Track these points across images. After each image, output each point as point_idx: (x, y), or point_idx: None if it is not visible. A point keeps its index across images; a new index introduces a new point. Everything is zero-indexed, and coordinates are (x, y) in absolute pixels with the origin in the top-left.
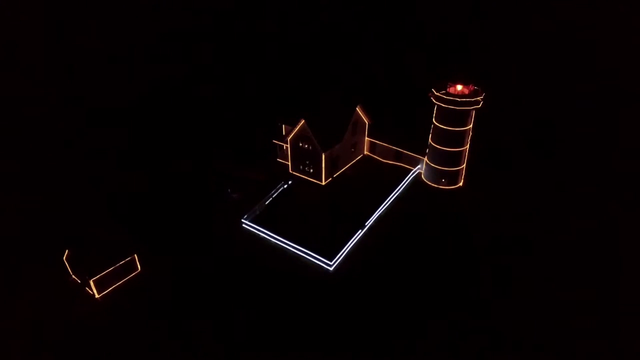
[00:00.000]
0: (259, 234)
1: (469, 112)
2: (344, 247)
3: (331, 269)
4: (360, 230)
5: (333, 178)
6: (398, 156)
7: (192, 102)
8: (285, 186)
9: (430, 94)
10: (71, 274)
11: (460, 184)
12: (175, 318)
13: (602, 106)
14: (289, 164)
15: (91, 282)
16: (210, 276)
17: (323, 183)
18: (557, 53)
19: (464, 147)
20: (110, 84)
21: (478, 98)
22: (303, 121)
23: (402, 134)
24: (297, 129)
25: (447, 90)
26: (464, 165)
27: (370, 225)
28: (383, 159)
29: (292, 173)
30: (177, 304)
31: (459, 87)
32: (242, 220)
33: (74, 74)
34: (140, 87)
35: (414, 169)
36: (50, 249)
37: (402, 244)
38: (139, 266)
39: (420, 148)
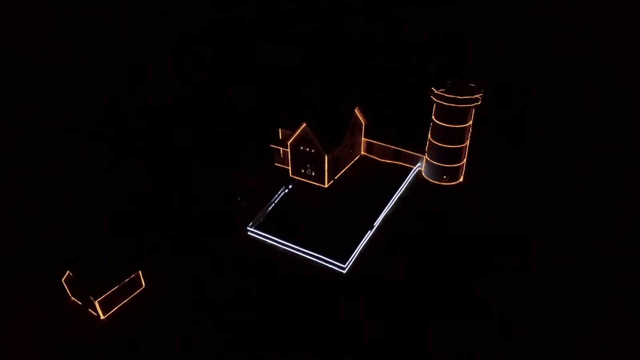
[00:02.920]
0: (266, 241)
1: (469, 109)
2: (356, 249)
3: (344, 271)
4: (369, 231)
5: (334, 180)
6: (397, 155)
7: (190, 107)
8: (286, 191)
9: (430, 93)
10: (70, 296)
11: (461, 179)
12: (187, 335)
13: (603, 105)
14: (289, 168)
15: (96, 303)
16: (221, 288)
17: (326, 185)
18: (557, 49)
19: (464, 143)
20: (108, 89)
21: (477, 96)
22: (305, 124)
23: (397, 133)
24: (298, 133)
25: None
26: (464, 161)
27: (377, 225)
28: (381, 158)
29: (292, 177)
30: (188, 321)
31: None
32: (248, 228)
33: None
34: (138, 92)
35: (415, 167)
36: (48, 271)
37: (411, 243)
38: (143, 282)
39: (417, 146)
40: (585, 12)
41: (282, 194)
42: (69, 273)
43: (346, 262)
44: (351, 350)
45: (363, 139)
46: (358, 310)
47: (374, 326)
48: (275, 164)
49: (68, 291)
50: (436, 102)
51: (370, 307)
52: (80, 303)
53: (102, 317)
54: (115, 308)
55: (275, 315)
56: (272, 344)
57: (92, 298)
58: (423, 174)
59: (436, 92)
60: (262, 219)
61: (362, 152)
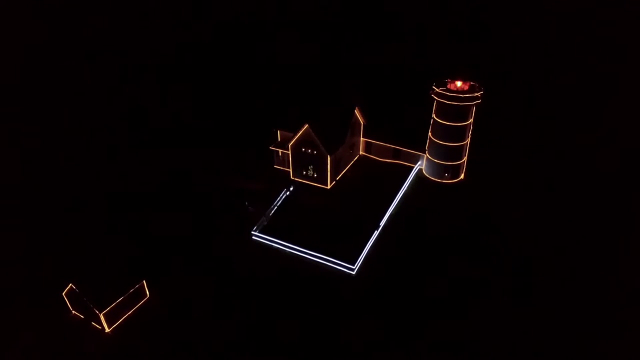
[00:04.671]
0: (272, 245)
1: (469, 107)
2: (363, 249)
3: (354, 272)
4: (375, 231)
5: (336, 181)
6: (396, 154)
7: (186, 112)
8: (288, 193)
9: (431, 91)
10: (71, 310)
11: (462, 177)
12: (193, 341)
13: (604, 104)
14: (290, 170)
15: (101, 316)
16: (227, 294)
17: (328, 187)
18: (557, 48)
19: (465, 141)
20: (106, 92)
21: (477, 94)
22: (306, 126)
23: (395, 132)
24: (299, 134)
25: (447, 86)
26: (465, 158)
27: (383, 225)
28: (381, 157)
29: (293, 179)
30: (193, 329)
31: (459, 84)
32: (252, 232)
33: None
34: (136, 95)
35: (416, 165)
36: (47, 285)
37: (418, 242)
38: (147, 292)
39: (416, 144)
40: (586, 10)
41: (284, 197)
42: (71, 286)
43: (355, 263)
44: (361, 351)
45: (362, 138)
46: (370, 310)
47: (384, 326)
48: (275, 166)
49: (69, 305)
50: (437, 100)
51: (381, 307)
52: (82, 317)
53: (107, 330)
54: (120, 320)
55: (286, 320)
56: (282, 350)
57: (97, 311)
58: (424, 172)
59: (437, 90)
60: (265, 223)
61: (361, 152)
